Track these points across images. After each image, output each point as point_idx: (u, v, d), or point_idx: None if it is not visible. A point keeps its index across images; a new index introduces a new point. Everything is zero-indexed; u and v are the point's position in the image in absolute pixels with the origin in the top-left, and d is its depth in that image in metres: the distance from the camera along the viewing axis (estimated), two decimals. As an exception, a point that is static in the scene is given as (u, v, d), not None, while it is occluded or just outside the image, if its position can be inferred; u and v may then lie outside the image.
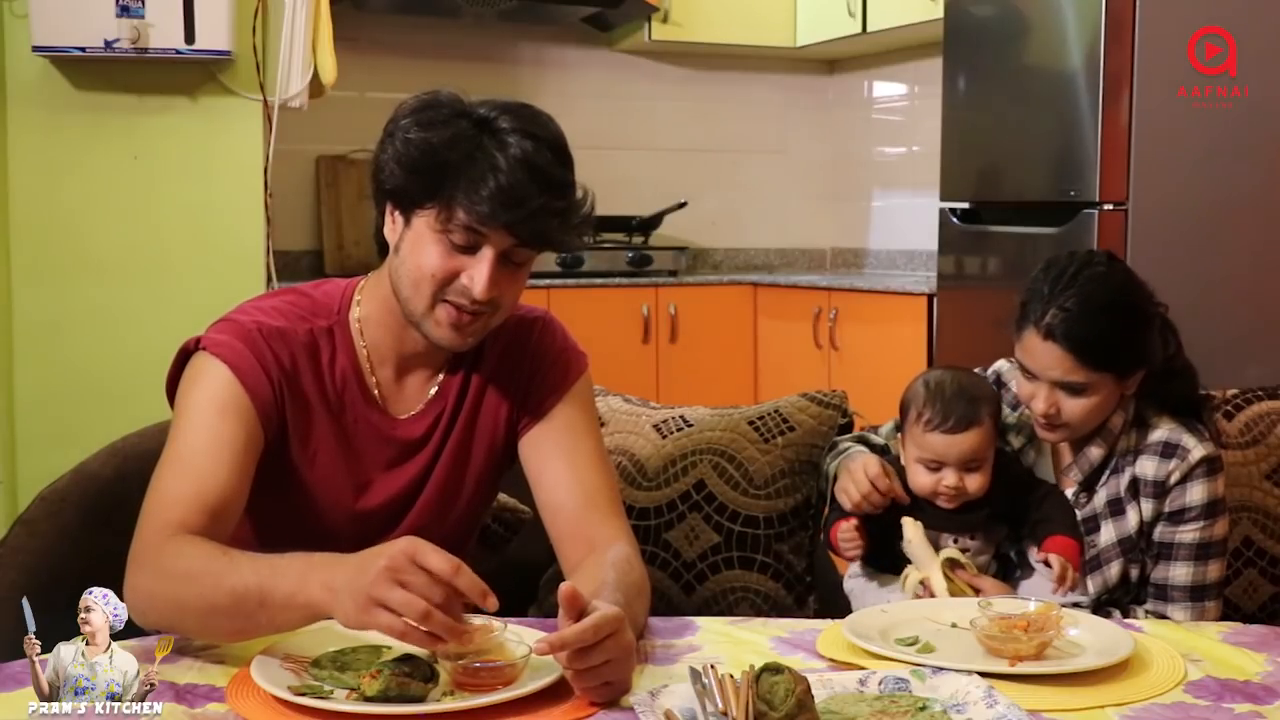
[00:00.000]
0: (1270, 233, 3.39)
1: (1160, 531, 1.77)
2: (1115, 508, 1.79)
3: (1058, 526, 1.76)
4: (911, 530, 1.75)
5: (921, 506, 1.82)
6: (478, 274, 1.48)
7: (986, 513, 1.81)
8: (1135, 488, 1.78)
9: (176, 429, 1.51)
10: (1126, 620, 1.60)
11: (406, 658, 1.25)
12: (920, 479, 1.81)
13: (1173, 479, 1.75)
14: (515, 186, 1.44)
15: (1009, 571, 1.83)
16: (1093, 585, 1.78)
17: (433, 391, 1.64)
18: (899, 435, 1.89)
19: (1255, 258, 3.39)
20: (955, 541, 1.79)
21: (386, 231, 1.56)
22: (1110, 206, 3.28)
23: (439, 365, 1.64)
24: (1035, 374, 1.75)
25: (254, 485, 1.54)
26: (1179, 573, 1.76)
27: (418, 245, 1.51)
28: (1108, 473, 1.81)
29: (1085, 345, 1.71)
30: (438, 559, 1.22)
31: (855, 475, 1.81)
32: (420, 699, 1.21)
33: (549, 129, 1.52)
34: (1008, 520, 1.82)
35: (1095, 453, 1.80)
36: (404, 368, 1.63)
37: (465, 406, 1.64)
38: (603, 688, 1.23)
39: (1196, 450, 1.76)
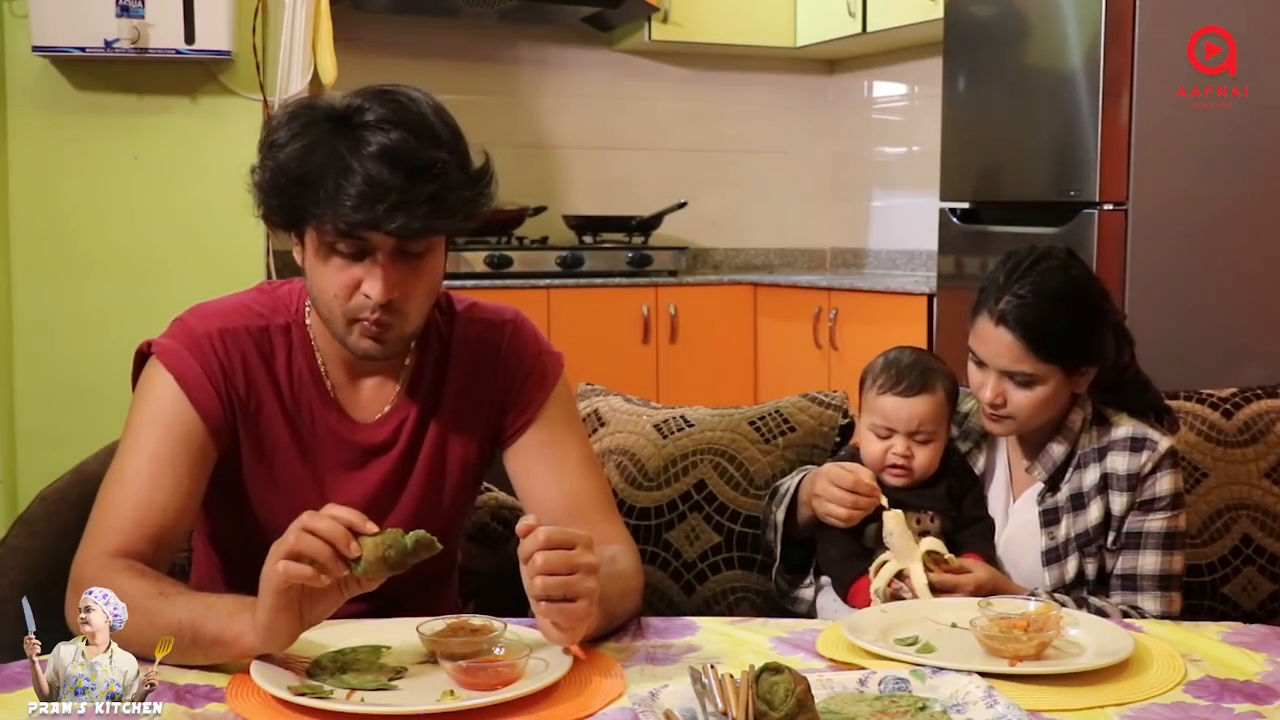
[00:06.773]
0: (1270, 232, 3.39)
1: (1130, 521, 1.78)
2: (1076, 502, 1.80)
3: (973, 549, 1.78)
4: (893, 521, 1.72)
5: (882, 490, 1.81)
6: (372, 280, 1.43)
7: (943, 489, 1.82)
8: (1104, 483, 1.79)
9: (123, 445, 1.50)
10: (1126, 620, 1.60)
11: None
12: (871, 447, 1.83)
13: (1145, 469, 1.77)
14: (374, 183, 1.37)
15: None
16: (1049, 578, 1.79)
17: (396, 398, 1.59)
18: (858, 414, 1.91)
19: (1255, 257, 3.39)
20: (918, 522, 1.78)
21: (295, 254, 1.52)
22: (1110, 206, 3.28)
23: (398, 371, 1.60)
24: (985, 361, 1.76)
25: (216, 495, 1.53)
26: (1148, 561, 1.77)
27: (314, 266, 1.47)
28: (1071, 469, 1.81)
29: (1035, 333, 1.72)
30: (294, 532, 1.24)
31: (830, 488, 1.76)
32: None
33: (411, 110, 1.43)
34: (955, 503, 1.83)
35: (1058, 450, 1.81)
36: (358, 372, 1.58)
37: (437, 416, 1.60)
38: (561, 606, 1.28)
39: (1164, 442, 1.79)
